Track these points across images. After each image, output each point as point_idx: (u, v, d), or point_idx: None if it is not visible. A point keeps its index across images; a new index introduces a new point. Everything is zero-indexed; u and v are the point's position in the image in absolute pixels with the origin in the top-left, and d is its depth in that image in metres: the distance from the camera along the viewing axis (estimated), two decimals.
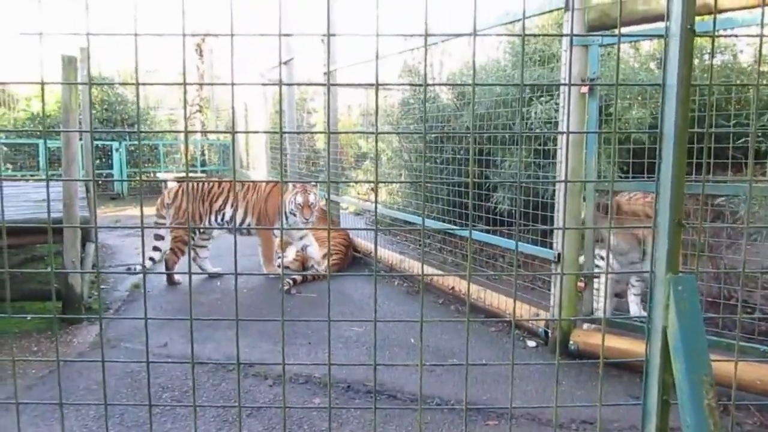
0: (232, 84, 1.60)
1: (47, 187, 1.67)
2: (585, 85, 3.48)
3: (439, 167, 5.90)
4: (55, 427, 2.76)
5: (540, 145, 4.73)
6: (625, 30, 3.44)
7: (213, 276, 5.69)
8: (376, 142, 1.61)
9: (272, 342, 3.93)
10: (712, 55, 1.68)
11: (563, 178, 3.38)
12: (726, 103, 4.30)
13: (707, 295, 3.70)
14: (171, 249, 5.54)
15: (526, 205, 4.48)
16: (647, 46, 5.59)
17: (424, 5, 1.54)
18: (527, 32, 4.70)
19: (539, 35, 5.89)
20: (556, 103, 4.50)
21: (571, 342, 3.66)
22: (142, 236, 1.79)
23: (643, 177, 4.03)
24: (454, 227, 5.41)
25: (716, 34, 2.45)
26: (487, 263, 5.21)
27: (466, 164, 5.45)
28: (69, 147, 4.45)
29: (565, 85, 3.69)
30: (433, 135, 5.75)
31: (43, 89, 1.61)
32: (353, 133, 10.95)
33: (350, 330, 4.19)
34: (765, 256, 3.99)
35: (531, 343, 3.95)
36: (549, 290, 4.02)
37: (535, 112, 4.70)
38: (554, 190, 3.94)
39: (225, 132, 12.66)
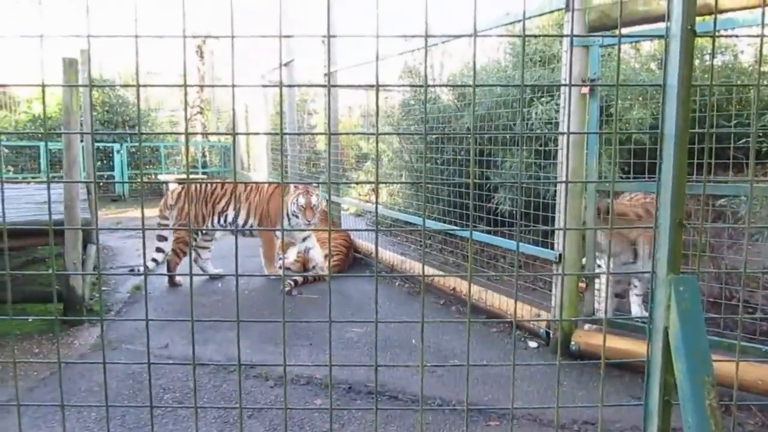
0: (233, 86, 1.61)
1: (48, 189, 1.67)
2: (585, 86, 3.48)
3: (439, 168, 5.90)
4: (56, 429, 2.76)
5: (541, 145, 4.73)
6: (625, 30, 3.44)
7: (214, 277, 5.69)
8: (377, 143, 1.61)
9: (273, 343, 3.93)
10: (713, 55, 1.68)
11: (564, 179, 3.38)
12: (727, 104, 4.31)
13: (708, 296, 3.70)
14: (173, 250, 5.55)
15: (527, 205, 4.48)
16: (648, 46, 5.59)
17: (424, 6, 1.54)
18: (528, 33, 4.70)
19: (540, 36, 5.89)
20: (557, 104, 4.50)
21: (572, 342, 3.66)
22: (143, 238, 1.80)
23: (644, 177, 4.03)
24: (455, 228, 5.41)
25: (717, 34, 2.44)
26: (488, 264, 5.21)
27: (467, 165, 5.45)
28: (70, 149, 4.46)
29: (565, 85, 3.69)
30: (433, 136, 5.74)
31: (44, 91, 1.62)
32: (354, 134, 10.94)
33: (351, 331, 4.19)
34: (766, 257, 3.99)
35: (532, 344, 3.95)
36: (550, 291, 4.02)
37: (536, 113, 4.70)
38: (555, 191, 3.94)
39: (226, 134, 12.65)
